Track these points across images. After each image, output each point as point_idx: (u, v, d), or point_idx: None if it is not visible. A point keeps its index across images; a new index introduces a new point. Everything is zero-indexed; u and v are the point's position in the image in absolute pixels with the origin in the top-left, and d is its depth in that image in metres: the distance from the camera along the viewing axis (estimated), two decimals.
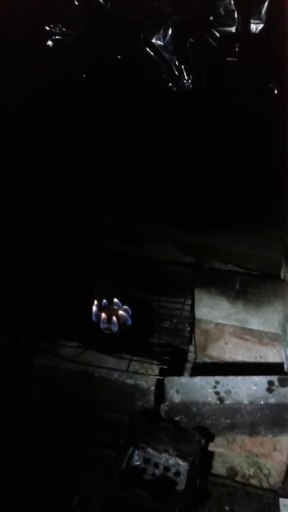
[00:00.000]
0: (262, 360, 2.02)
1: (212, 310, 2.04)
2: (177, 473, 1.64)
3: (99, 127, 2.10)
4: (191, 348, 2.08)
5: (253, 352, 2.04)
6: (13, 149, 2.00)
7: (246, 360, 2.04)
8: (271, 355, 2.02)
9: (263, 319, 2.00)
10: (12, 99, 1.99)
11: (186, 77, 1.89)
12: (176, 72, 1.89)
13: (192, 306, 2.05)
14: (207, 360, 2.08)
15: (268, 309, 2.00)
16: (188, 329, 2.05)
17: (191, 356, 2.06)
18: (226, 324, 2.05)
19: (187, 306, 2.04)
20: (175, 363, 1.87)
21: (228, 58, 1.83)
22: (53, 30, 1.97)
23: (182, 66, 1.89)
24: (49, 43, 1.98)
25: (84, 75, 2.02)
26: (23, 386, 1.78)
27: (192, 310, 2.05)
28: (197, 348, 2.09)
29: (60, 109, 2.06)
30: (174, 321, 2.04)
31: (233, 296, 2.04)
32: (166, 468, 1.66)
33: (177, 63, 1.89)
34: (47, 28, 1.97)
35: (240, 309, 2.03)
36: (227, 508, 1.70)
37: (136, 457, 1.65)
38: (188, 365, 2.01)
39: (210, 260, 2.15)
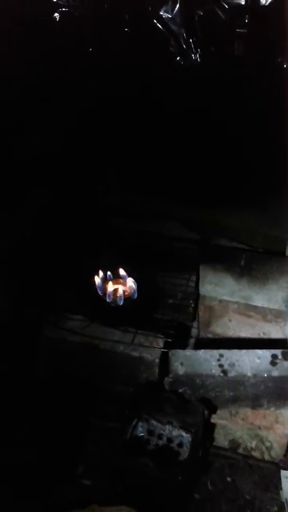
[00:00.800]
0: (266, 337, 2.04)
1: (216, 286, 2.05)
2: (180, 445, 1.66)
3: (105, 103, 2.09)
4: (195, 324, 2.09)
5: (257, 329, 2.06)
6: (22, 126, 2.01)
7: (250, 336, 2.06)
8: (275, 331, 2.03)
9: (268, 296, 2.01)
10: (19, 72, 1.98)
11: (194, 50, 1.87)
12: (184, 45, 1.87)
13: (197, 282, 2.05)
14: (210, 336, 2.10)
15: (273, 286, 2.00)
16: (192, 305, 2.06)
17: (194, 332, 2.08)
18: (230, 300, 2.06)
19: (192, 282, 2.05)
20: (179, 338, 1.88)
21: (237, 30, 1.81)
22: (60, 2, 1.95)
23: (190, 39, 1.87)
24: (56, 15, 1.96)
25: (91, 49, 2.00)
26: (30, 358, 1.80)
27: (197, 287, 2.06)
28: (200, 325, 2.10)
29: (66, 85, 2.05)
30: (179, 297, 2.05)
31: (238, 273, 2.04)
32: (170, 440, 1.67)
33: (185, 36, 1.87)
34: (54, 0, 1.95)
35: (245, 286, 2.03)
36: (229, 479, 1.72)
37: (140, 429, 1.67)
38: (192, 341, 2.02)
39: (215, 237, 2.15)
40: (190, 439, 1.63)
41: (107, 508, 1.42)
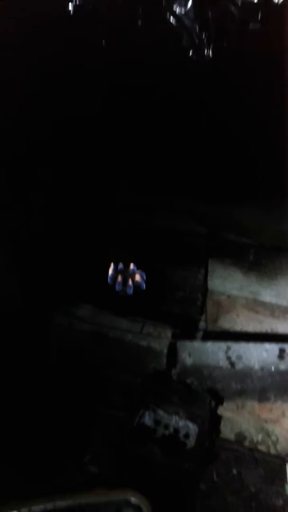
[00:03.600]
0: (273, 332, 2.04)
1: (225, 281, 2.06)
2: (187, 435, 1.66)
3: (116, 99, 2.11)
4: (203, 318, 2.09)
5: (265, 325, 2.05)
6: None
7: (257, 331, 2.06)
8: (283, 327, 2.03)
9: (276, 292, 2.01)
10: (32, 67, 2.01)
11: (206, 46, 1.89)
12: (196, 40, 1.89)
13: (205, 276, 2.06)
14: (218, 330, 2.10)
15: (281, 282, 2.01)
16: (201, 299, 2.06)
17: (202, 326, 2.08)
18: (239, 296, 2.06)
19: (201, 276, 2.05)
20: (187, 330, 1.89)
21: (249, 27, 1.82)
22: None
23: (203, 35, 1.88)
24: (70, 8, 1.98)
25: (104, 42, 2.02)
26: (39, 345, 1.81)
27: (205, 281, 2.06)
28: (208, 319, 2.10)
29: (79, 79, 2.07)
30: (187, 290, 2.05)
31: (246, 268, 2.05)
32: (176, 430, 1.68)
33: (198, 31, 1.88)
34: None
35: (253, 281, 2.04)
36: (234, 471, 1.72)
37: (146, 418, 1.68)
38: (199, 335, 2.03)
39: (225, 231, 2.15)
40: (197, 430, 1.64)
41: (113, 491, 1.42)
